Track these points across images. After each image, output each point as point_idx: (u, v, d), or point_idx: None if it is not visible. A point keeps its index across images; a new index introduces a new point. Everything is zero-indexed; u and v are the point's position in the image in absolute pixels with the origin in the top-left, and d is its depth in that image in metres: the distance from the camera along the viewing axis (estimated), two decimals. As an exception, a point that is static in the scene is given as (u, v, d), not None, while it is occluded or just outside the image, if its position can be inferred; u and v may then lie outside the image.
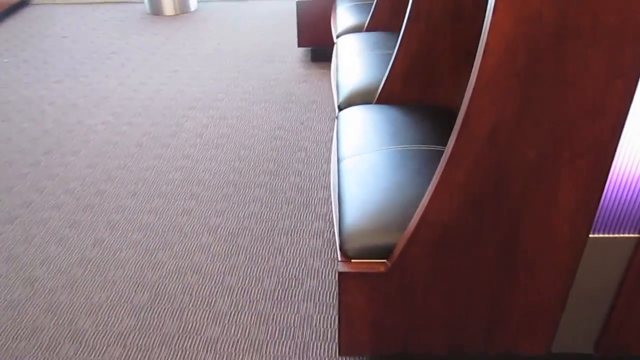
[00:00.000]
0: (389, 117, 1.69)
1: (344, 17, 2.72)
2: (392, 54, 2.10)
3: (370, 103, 1.88)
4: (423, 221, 1.13)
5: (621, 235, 1.17)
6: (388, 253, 1.23)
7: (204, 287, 1.72)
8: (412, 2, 1.66)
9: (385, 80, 1.80)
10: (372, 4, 2.79)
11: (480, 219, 1.13)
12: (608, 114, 0.99)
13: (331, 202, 1.93)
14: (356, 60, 2.13)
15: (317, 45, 3.32)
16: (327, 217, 2.02)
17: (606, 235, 1.17)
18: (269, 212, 2.05)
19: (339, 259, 1.25)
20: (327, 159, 2.37)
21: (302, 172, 2.29)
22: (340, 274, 1.22)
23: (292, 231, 1.95)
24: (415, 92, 1.82)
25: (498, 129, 1.01)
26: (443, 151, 1.49)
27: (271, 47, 3.67)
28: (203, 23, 4.22)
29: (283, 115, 2.77)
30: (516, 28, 0.91)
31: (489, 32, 0.92)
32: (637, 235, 1.16)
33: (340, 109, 1.91)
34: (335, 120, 1.86)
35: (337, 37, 2.58)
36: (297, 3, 3.18)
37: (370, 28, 2.48)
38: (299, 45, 3.33)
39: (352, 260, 1.24)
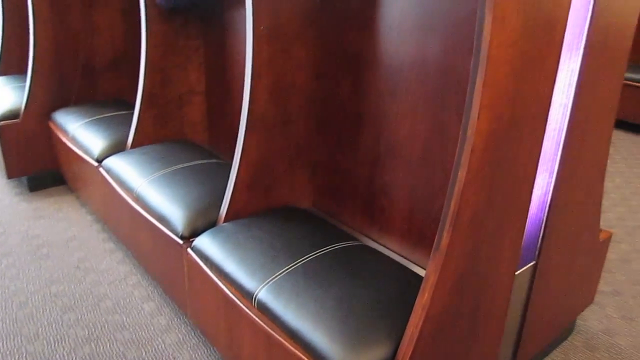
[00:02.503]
0: (261, 232, 1.61)
1: (90, 137, 2.38)
2: (197, 165, 2.01)
3: (214, 224, 1.73)
4: (427, 318, 1.15)
5: (527, 265, 1.45)
6: (389, 364, 1.20)
7: None
8: (248, 113, 1.64)
9: (231, 196, 1.70)
10: (111, 117, 2.56)
11: (459, 297, 1.23)
12: (530, 174, 1.24)
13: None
14: (162, 182, 1.92)
15: (36, 171, 2.78)
16: (195, 360, 1.74)
17: (522, 270, 1.43)
18: (125, 387, 1.64)
19: (350, 395, 1.14)
20: (144, 297, 2.03)
21: (126, 325, 1.90)
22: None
23: (170, 396, 1.61)
24: (259, 199, 1.78)
25: (476, 214, 1.14)
26: (346, 247, 1.54)
27: (-42, 188, 2.87)
28: None
29: (45, 266, 2.22)
30: (490, 127, 1.06)
31: (475, 135, 1.04)
32: (535, 262, 1.47)
33: (184, 238, 1.70)
34: (190, 253, 1.64)
35: (99, 161, 2.24)
36: (1, 127, 2.60)
37: (137, 144, 2.26)
38: (10, 176, 2.72)
39: (363, 389, 1.15)
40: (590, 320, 1.97)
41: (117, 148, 2.28)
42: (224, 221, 1.71)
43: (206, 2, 2.16)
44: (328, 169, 1.86)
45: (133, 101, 2.92)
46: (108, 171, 2.15)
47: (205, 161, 2.09)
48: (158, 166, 2.03)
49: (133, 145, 2.26)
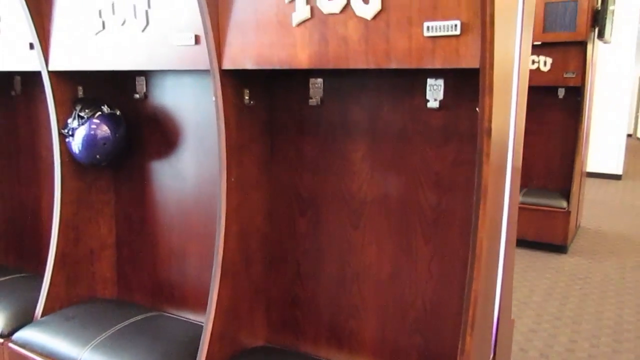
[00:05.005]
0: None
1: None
2: (137, 322, 1.95)
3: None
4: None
5: (490, 358, 1.72)
6: None
7: None
8: (221, 261, 1.68)
9: (207, 350, 1.67)
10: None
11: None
12: (495, 277, 1.55)
13: None
14: (110, 347, 1.77)
15: None
16: None
17: (490, 362, 1.69)
18: None
19: None
20: None
21: None
22: None
23: None
24: (228, 347, 1.76)
25: (480, 317, 1.38)
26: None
27: None
28: None
29: None
30: (486, 246, 1.35)
31: (480, 255, 1.31)
32: (494, 354, 1.74)
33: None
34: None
35: (4, 336, 1.94)
36: None
37: (49, 310, 2.03)
38: None
39: None
40: (507, 398, 2.29)
41: (23, 319, 2.01)
42: (201, 374, 1.66)
43: (125, 156, 2.17)
44: (284, 303, 1.94)
45: (8, 265, 2.61)
46: (24, 346, 1.88)
47: (143, 316, 1.98)
48: (94, 331, 1.86)
49: (44, 313, 2.02)
